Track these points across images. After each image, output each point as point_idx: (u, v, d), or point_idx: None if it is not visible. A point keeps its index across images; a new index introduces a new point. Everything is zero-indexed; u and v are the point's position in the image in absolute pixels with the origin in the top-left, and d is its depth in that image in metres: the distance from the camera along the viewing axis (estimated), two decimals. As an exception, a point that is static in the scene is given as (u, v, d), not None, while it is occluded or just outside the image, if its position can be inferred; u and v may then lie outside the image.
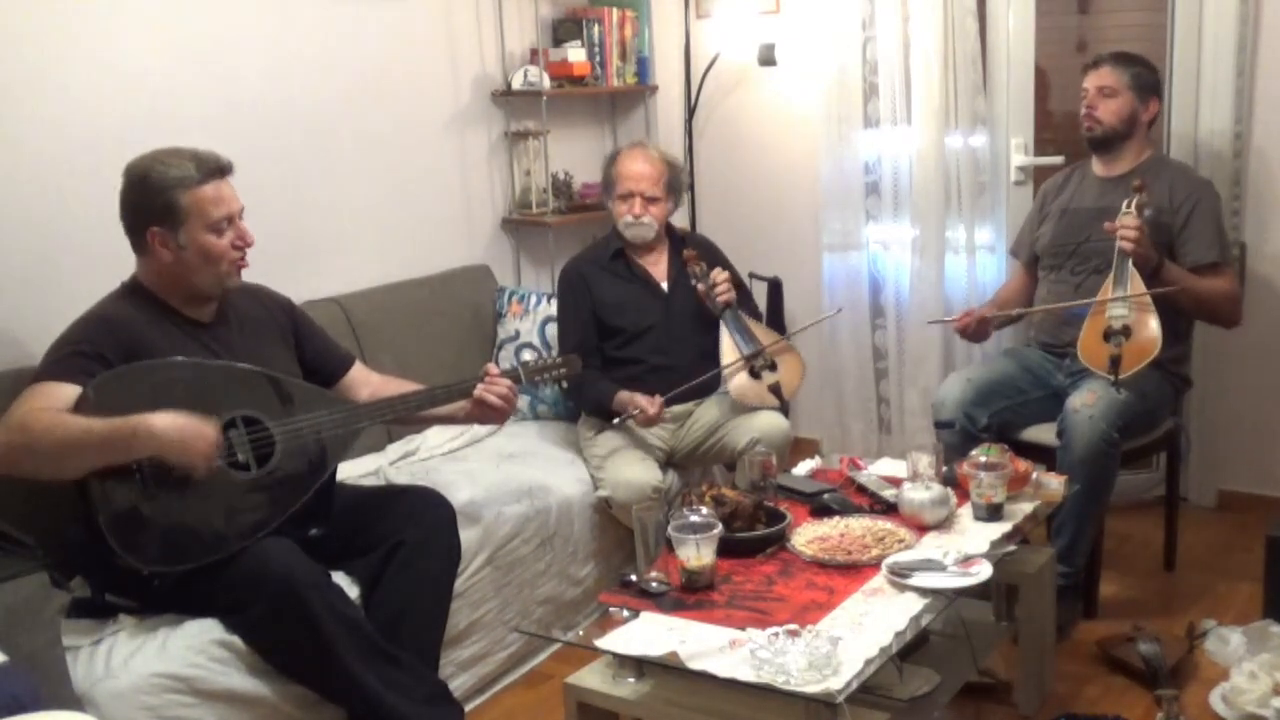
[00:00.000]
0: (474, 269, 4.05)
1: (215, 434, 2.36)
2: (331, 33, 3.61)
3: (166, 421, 2.29)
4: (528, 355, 3.73)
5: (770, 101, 4.39)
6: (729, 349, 3.35)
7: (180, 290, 2.53)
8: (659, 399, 3.24)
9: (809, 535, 2.51)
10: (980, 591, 2.46)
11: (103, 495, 2.31)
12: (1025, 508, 2.62)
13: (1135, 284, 2.99)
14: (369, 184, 3.77)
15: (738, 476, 2.79)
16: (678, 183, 3.55)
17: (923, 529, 2.50)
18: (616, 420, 3.25)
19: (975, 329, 3.38)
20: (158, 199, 2.44)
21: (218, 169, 2.50)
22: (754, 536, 2.45)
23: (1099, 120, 3.28)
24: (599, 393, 3.31)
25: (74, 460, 2.27)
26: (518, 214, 4.25)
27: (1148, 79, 3.27)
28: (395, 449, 3.46)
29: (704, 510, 2.38)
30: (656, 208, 3.44)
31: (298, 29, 3.52)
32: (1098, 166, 3.38)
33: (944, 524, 2.53)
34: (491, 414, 2.82)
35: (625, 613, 2.24)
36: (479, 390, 2.77)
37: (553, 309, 3.64)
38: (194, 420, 2.32)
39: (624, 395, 3.27)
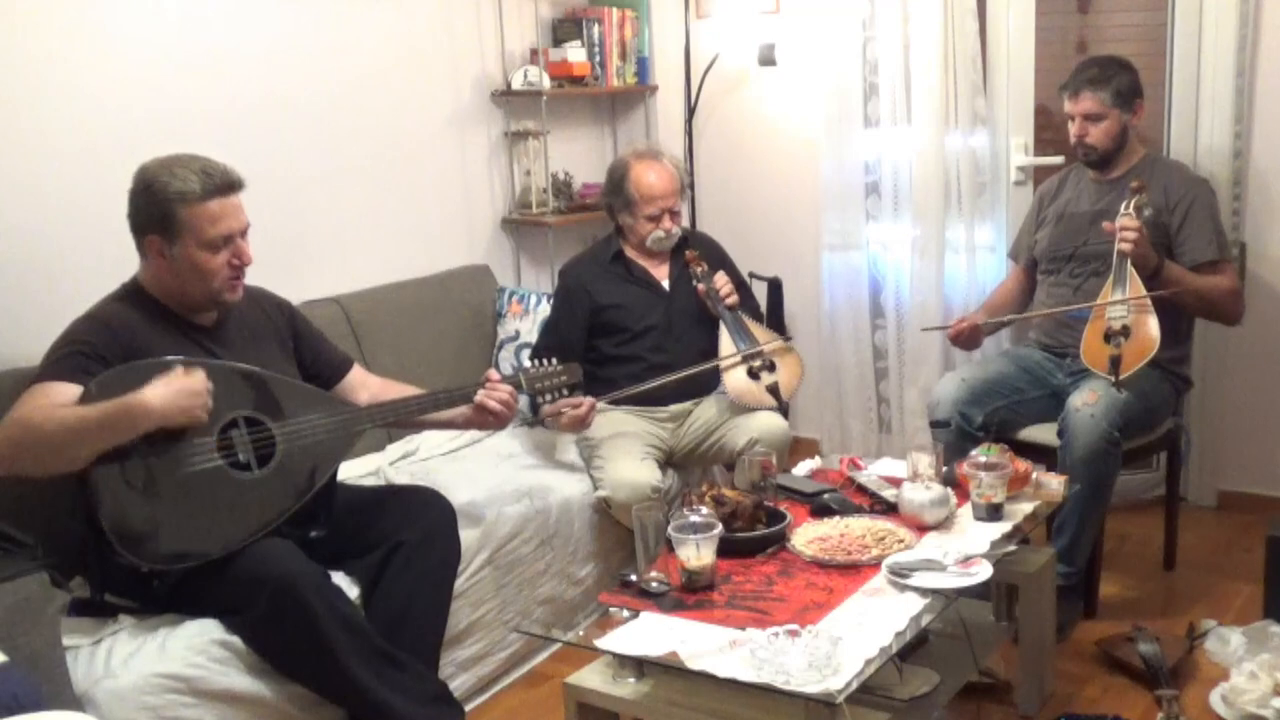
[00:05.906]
0: (474, 269, 4.05)
1: (202, 381, 2.37)
2: (331, 32, 3.61)
3: (157, 391, 2.31)
4: (527, 358, 3.71)
5: (770, 101, 4.39)
6: (728, 349, 3.36)
7: (177, 297, 2.53)
8: (590, 400, 3.16)
9: (809, 535, 2.51)
10: (980, 591, 2.46)
11: (103, 493, 2.31)
12: (1025, 508, 2.61)
13: (1134, 285, 2.99)
14: (369, 184, 3.77)
15: (737, 476, 2.78)
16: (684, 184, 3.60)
17: (923, 529, 2.50)
18: (544, 422, 3.27)
19: (967, 336, 3.38)
20: (157, 209, 2.43)
21: (225, 185, 2.45)
22: (754, 536, 2.45)
23: (1093, 146, 3.28)
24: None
25: (76, 448, 2.28)
26: (518, 214, 4.25)
27: (1127, 85, 3.24)
28: (395, 449, 3.46)
29: (704, 510, 2.38)
30: (679, 215, 3.51)
31: (298, 28, 3.52)
32: (1093, 171, 3.38)
33: (944, 524, 2.53)
34: (491, 420, 2.82)
35: (625, 613, 2.24)
36: (480, 396, 2.77)
37: (553, 309, 3.64)
38: (178, 378, 2.35)
39: (549, 408, 3.13)
